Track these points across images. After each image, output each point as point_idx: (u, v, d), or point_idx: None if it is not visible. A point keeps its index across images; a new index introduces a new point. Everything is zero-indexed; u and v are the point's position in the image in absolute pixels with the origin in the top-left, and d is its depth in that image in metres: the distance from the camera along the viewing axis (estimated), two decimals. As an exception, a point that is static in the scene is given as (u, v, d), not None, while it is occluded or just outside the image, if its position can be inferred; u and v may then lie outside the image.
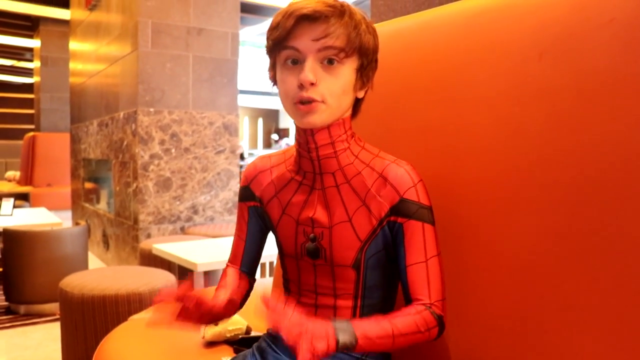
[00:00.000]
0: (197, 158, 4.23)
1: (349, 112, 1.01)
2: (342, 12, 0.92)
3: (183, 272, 3.04)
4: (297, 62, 0.94)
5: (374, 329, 0.89)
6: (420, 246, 0.97)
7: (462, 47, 1.11)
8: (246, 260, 1.17)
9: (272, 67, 1.00)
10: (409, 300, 0.98)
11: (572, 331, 0.89)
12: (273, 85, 1.02)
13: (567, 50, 0.92)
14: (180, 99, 4.17)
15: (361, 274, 1.00)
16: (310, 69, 0.91)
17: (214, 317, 1.03)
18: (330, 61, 0.93)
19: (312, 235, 1.01)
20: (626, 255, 0.82)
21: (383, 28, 1.38)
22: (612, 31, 0.86)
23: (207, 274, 2.89)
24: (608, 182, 0.85)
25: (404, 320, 0.92)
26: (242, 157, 9.01)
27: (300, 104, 0.93)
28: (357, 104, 1.03)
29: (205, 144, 4.28)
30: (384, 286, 1.03)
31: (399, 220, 0.97)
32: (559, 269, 0.91)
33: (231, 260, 1.18)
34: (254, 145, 17.52)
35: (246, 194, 1.14)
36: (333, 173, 1.00)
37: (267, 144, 17.71)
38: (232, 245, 1.19)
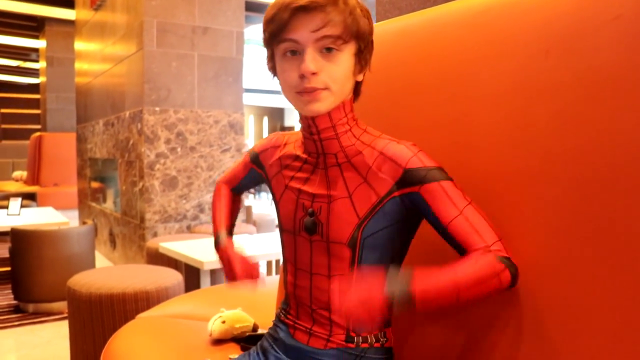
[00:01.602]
0: (203, 157, 4.24)
1: (350, 96, 1.03)
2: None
3: (190, 270, 3.05)
4: (296, 52, 0.95)
5: (432, 281, 0.87)
6: (447, 203, 0.94)
7: (468, 45, 1.11)
8: (239, 186, 1.30)
9: (271, 59, 1.02)
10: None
11: (578, 328, 0.89)
12: (273, 76, 1.04)
13: (573, 47, 0.92)
14: (186, 97, 4.18)
15: (357, 253, 1.00)
16: (311, 59, 0.92)
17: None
18: (329, 49, 0.94)
19: (310, 209, 1.03)
20: (633, 252, 0.82)
21: (389, 26, 1.38)
22: (618, 28, 0.86)
23: (213, 272, 2.90)
24: (614, 179, 0.85)
25: (467, 270, 0.88)
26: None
27: (304, 92, 0.95)
28: (357, 87, 1.04)
29: (211, 142, 4.29)
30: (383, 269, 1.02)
31: (413, 189, 0.95)
32: (565, 265, 0.91)
33: (229, 180, 1.31)
34: (259, 143, 17.50)
35: (255, 159, 1.21)
36: (335, 154, 1.02)
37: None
38: (234, 168, 1.29)
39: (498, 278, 0.89)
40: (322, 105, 0.96)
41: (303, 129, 1.05)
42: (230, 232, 1.25)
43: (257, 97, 15.16)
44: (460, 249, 0.94)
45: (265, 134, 17.81)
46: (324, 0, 0.91)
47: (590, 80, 0.89)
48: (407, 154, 0.96)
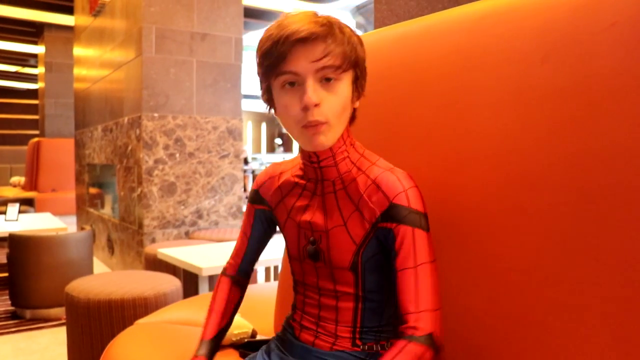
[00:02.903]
0: (201, 163, 4.25)
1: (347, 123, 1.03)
2: (334, 28, 0.93)
3: (188, 276, 3.05)
4: (295, 84, 0.94)
5: None
6: (409, 251, 0.95)
7: (465, 52, 1.12)
8: (246, 259, 1.22)
9: (267, 91, 1.01)
10: (399, 315, 0.96)
11: (575, 336, 0.89)
12: (269, 108, 1.04)
13: (570, 54, 0.92)
14: (185, 103, 4.18)
15: (359, 276, 1.01)
16: (313, 90, 0.92)
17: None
18: (329, 79, 0.94)
19: (312, 238, 1.04)
20: (631, 261, 0.82)
21: (386, 33, 1.39)
22: (614, 35, 0.86)
23: (212, 278, 2.90)
24: (614, 185, 0.85)
25: None
26: (245, 161, 9.02)
27: (309, 126, 0.94)
28: (352, 112, 1.04)
29: (210, 148, 4.29)
30: (385, 289, 1.04)
31: (389, 225, 0.97)
32: (563, 273, 0.91)
33: (233, 257, 1.23)
34: (257, 149, 17.53)
35: (255, 197, 1.18)
36: (333, 180, 1.03)
37: (271, 148, 17.72)
38: (237, 241, 1.23)
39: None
40: (325, 139, 0.96)
41: (303, 157, 1.05)
42: (213, 345, 1.16)
43: (256, 103, 15.18)
44: (398, 307, 0.96)
45: (264, 140, 17.81)
46: (323, 30, 0.91)
47: (587, 86, 0.89)
48: (398, 188, 0.97)
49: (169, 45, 4.13)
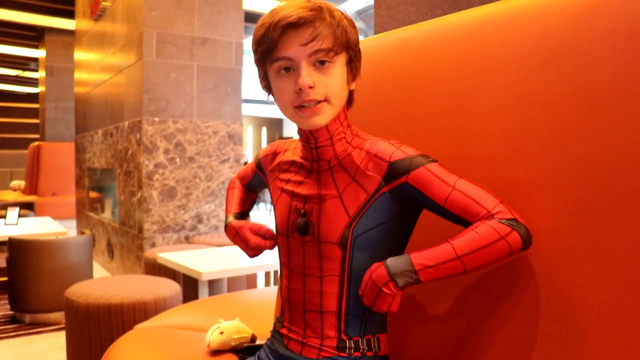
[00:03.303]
0: (202, 167, 4.25)
1: (344, 105, 1.05)
2: (323, 12, 0.95)
3: (188, 281, 3.04)
4: (290, 69, 0.97)
5: (433, 256, 0.90)
6: (438, 182, 0.94)
7: (465, 57, 1.12)
8: (250, 185, 1.34)
9: (264, 78, 1.04)
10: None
11: (581, 322, 0.89)
12: (268, 94, 1.07)
13: (569, 59, 0.92)
14: (185, 108, 4.19)
15: (347, 253, 1.00)
16: (307, 74, 0.95)
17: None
18: (322, 62, 0.96)
19: (302, 211, 1.05)
20: (631, 261, 0.83)
21: (386, 38, 1.39)
22: (613, 41, 0.86)
23: (212, 282, 2.90)
24: (611, 191, 0.85)
25: (467, 238, 0.89)
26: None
27: (303, 107, 0.97)
28: (349, 95, 1.06)
29: (210, 153, 4.29)
30: None
31: (401, 181, 0.97)
32: (562, 277, 0.91)
33: (240, 177, 1.36)
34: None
35: (257, 163, 1.27)
36: (328, 160, 1.05)
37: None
38: (245, 168, 1.34)
39: (505, 241, 0.88)
40: (322, 118, 0.99)
41: (301, 138, 1.08)
42: (239, 217, 1.29)
43: (256, 108, 15.19)
44: (465, 223, 0.94)
45: (264, 144, 17.81)
46: (311, 15, 0.94)
47: (586, 92, 0.90)
48: (390, 149, 0.99)
49: (170, 49, 4.13)
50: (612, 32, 0.86)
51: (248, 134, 17.10)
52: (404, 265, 0.91)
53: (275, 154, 1.20)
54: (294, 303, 1.08)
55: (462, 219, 0.94)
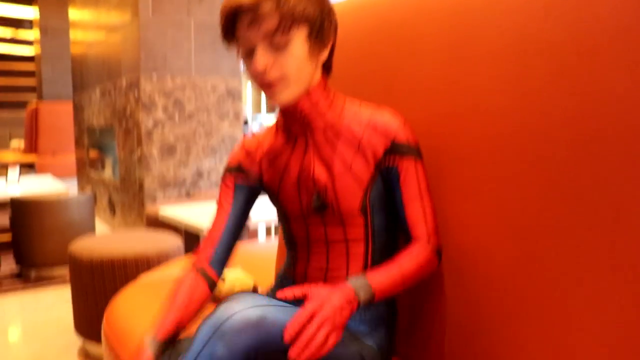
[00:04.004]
0: (201, 124, 4.24)
1: (318, 75, 1.05)
2: None
3: (189, 236, 3.08)
4: (251, 52, 0.98)
5: (386, 279, 0.96)
6: (414, 182, 1.04)
7: (467, 5, 1.11)
8: (223, 242, 1.14)
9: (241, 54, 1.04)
10: (409, 237, 1.06)
11: (572, 285, 0.91)
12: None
13: (572, 7, 0.91)
14: (183, 64, 4.15)
15: (369, 217, 1.06)
16: (259, 57, 0.96)
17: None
18: (276, 42, 0.95)
19: (316, 192, 1.06)
20: (628, 213, 0.84)
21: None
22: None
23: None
24: (613, 138, 0.86)
25: (410, 264, 1.00)
26: (245, 122, 8.99)
27: (265, 88, 0.99)
28: (326, 63, 1.06)
29: (209, 109, 4.28)
30: (391, 228, 1.09)
31: (391, 163, 1.03)
32: (560, 225, 0.93)
33: (205, 243, 1.14)
34: (257, 109, 17.40)
35: (236, 168, 1.16)
36: (323, 130, 1.05)
37: (271, 108, 17.60)
38: (211, 225, 1.15)
39: (432, 267, 1.04)
40: (284, 95, 0.99)
41: (285, 115, 1.07)
42: (164, 349, 1.01)
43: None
44: (406, 231, 1.07)
45: (263, 99, 17.66)
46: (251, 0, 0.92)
47: (588, 39, 0.89)
48: (395, 125, 1.03)
49: (166, 6, 4.07)
50: (609, -28, 0.86)
51: (247, 90, 16.94)
52: (365, 289, 0.93)
53: (252, 151, 1.15)
54: (315, 270, 1.10)
55: (407, 228, 1.06)
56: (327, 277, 1.09)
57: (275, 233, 3.23)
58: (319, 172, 1.05)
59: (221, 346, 0.83)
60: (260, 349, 0.84)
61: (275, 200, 1.14)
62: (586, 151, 0.89)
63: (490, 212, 1.05)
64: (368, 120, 1.03)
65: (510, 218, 1.01)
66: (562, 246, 0.92)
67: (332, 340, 0.84)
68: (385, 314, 1.09)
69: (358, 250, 1.07)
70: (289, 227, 1.14)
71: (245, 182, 1.15)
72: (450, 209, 1.11)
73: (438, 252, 1.06)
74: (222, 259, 1.14)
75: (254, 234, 3.06)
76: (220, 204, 1.16)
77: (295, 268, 1.15)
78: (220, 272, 1.14)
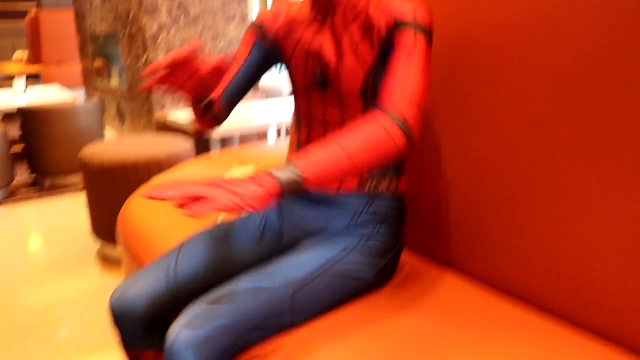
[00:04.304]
0: (207, 27, 4.11)
1: None
2: None
3: (199, 141, 3.06)
4: None
5: (320, 156, 0.83)
6: (404, 50, 0.93)
7: None
8: (231, 86, 1.14)
9: None
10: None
11: (576, 176, 0.89)
12: None
13: None
14: (184, -37, 3.97)
15: (368, 102, 1.03)
16: None
17: (200, 80, 0.99)
18: None
19: (321, 65, 1.04)
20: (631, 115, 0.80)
21: None
22: None
23: (223, 141, 2.91)
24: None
25: (357, 136, 0.86)
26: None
27: None
28: None
29: (215, 11, 4.14)
30: None
31: (392, 38, 0.96)
32: (576, 113, 0.89)
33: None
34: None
35: (259, 26, 1.16)
36: (343, 10, 1.02)
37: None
38: (234, 57, 1.16)
39: (392, 141, 0.87)
40: None
41: None
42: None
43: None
44: (374, 99, 0.99)
45: (269, 3, 17.17)
46: None
47: None
48: (406, 7, 0.96)
49: None
50: None
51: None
52: (287, 169, 0.81)
53: (278, 14, 1.15)
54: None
55: (376, 93, 0.99)
56: None
57: (286, 134, 3.21)
58: (327, 49, 1.03)
59: None
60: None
61: (287, 66, 1.14)
62: (605, 40, 0.83)
63: (502, 100, 1.01)
64: (385, 4, 0.98)
65: (521, 111, 0.97)
66: (570, 132, 0.89)
67: (215, 201, 0.74)
68: (391, 210, 1.08)
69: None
70: (295, 100, 1.14)
71: (263, 41, 1.15)
72: (458, 96, 1.08)
73: (403, 126, 0.88)
74: (230, 100, 1.15)
75: (264, 136, 3.04)
76: (236, 55, 1.17)
77: (300, 139, 1.15)
78: (227, 107, 1.15)
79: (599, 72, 0.87)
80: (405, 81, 0.91)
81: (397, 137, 0.87)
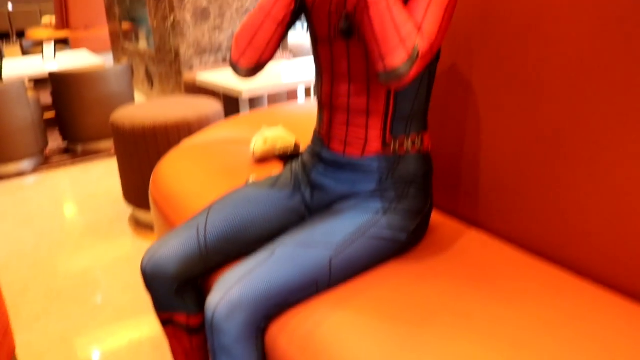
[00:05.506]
0: (232, -15, 4.02)
1: None
2: None
3: (228, 101, 3.02)
4: None
5: None
6: None
7: None
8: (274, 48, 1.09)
9: None
10: None
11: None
12: None
13: None
14: None
15: None
16: None
17: None
18: None
19: (345, 12, 0.98)
20: None
21: None
22: None
23: (252, 101, 2.86)
24: None
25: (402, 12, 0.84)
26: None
27: None
28: None
29: (239, -32, 4.03)
30: (415, 95, 1.00)
31: None
32: (604, 76, 0.81)
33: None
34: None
35: None
36: None
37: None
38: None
39: (404, 44, 0.84)
40: None
41: None
42: None
43: None
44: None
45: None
46: None
47: None
48: None
49: None
50: None
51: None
52: None
53: None
54: (338, 106, 1.05)
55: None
56: (350, 105, 1.02)
57: (315, 94, 3.14)
58: None
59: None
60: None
61: (308, 16, 1.06)
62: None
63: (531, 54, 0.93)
64: None
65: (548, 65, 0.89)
66: (607, 86, 0.81)
67: None
68: (418, 170, 1.03)
69: (379, 91, 0.99)
70: (317, 50, 1.07)
71: None
72: (486, 55, 1.00)
73: (413, 51, 0.86)
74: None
75: (293, 95, 2.98)
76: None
77: (322, 97, 1.09)
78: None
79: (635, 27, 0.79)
80: (428, 14, 0.87)
81: (409, 46, 0.84)
